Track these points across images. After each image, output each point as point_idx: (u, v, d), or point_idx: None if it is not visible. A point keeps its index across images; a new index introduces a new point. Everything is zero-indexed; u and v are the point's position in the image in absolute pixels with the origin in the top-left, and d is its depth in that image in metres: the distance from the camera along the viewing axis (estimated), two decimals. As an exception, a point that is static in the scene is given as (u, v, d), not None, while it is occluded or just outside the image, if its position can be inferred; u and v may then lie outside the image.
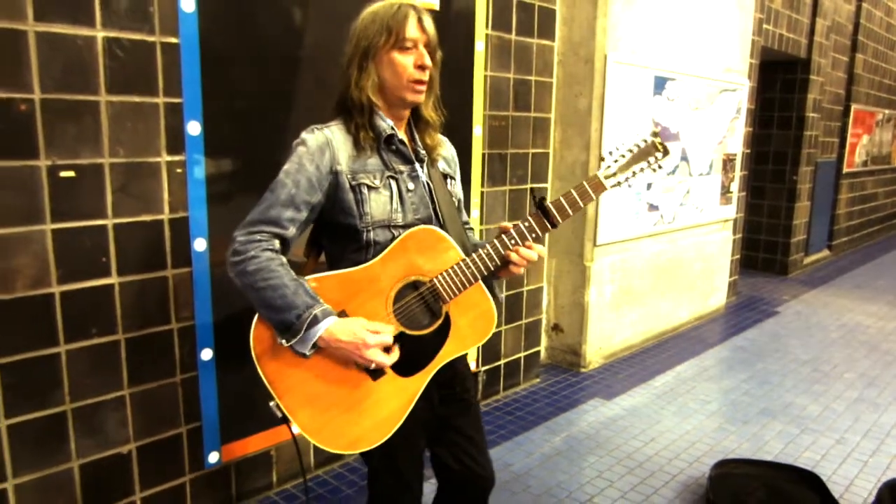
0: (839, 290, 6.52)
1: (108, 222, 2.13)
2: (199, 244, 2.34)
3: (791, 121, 6.98)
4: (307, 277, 1.55)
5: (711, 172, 5.16)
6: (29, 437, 2.05)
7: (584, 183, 1.63)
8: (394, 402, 1.58)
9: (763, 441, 3.21)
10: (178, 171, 2.26)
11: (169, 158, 2.24)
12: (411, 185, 1.62)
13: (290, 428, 1.59)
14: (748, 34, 5.35)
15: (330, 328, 1.47)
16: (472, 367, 3.48)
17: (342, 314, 1.52)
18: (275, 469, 2.71)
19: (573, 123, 4.05)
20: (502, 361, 3.71)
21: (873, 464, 3.00)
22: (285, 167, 1.55)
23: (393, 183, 1.60)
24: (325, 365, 1.54)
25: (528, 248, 1.61)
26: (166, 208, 2.25)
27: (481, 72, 3.30)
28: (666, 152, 1.69)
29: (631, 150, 1.66)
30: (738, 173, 5.56)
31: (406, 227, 1.59)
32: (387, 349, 1.51)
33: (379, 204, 1.57)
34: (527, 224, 1.60)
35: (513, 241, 1.59)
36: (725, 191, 5.41)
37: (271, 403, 1.56)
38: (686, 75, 4.60)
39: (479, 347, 3.51)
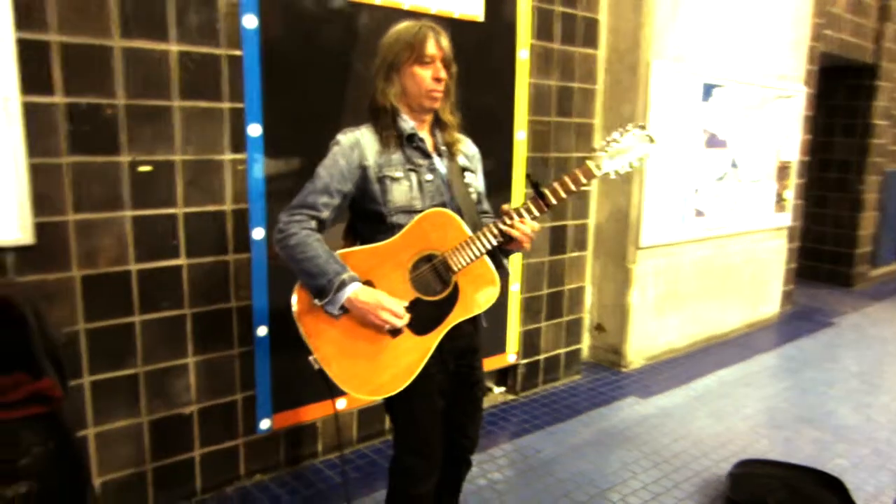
0: (907, 303, 6.31)
1: (179, 211, 2.44)
2: (258, 233, 2.63)
3: (856, 128, 6.80)
4: (339, 251, 1.84)
5: (764, 180, 5.15)
6: (107, 393, 2.38)
7: (577, 170, 1.84)
8: (410, 356, 1.85)
9: (794, 446, 3.24)
10: (240, 167, 2.56)
11: (232, 156, 2.54)
12: (429, 176, 1.90)
13: (327, 383, 1.85)
14: (804, 40, 5.30)
15: (356, 291, 1.76)
16: (512, 359, 3.66)
17: (368, 283, 1.81)
18: (320, 440, 2.97)
19: (619, 127, 4.16)
20: (542, 356, 3.86)
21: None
22: (322, 162, 1.87)
23: (413, 174, 1.88)
24: (353, 324, 1.83)
25: (522, 223, 1.83)
26: (229, 200, 2.55)
27: (525, 79, 3.49)
28: (651, 141, 1.88)
29: (618, 142, 1.86)
30: (793, 181, 5.51)
31: (424, 211, 1.86)
32: (397, 316, 1.79)
33: (401, 192, 1.86)
34: (525, 206, 1.84)
35: (511, 220, 1.82)
36: (780, 198, 5.37)
37: (310, 358, 1.84)
38: (736, 82, 4.64)
39: (519, 341, 3.68)
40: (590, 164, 1.84)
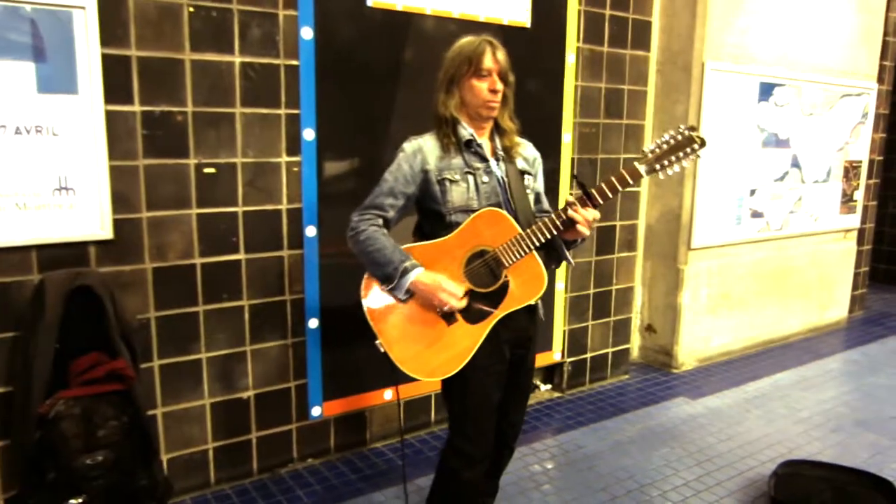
0: None
1: (239, 209, 2.65)
2: (311, 231, 2.82)
3: (941, 128, 6.46)
4: (407, 245, 2.05)
5: (830, 180, 5.00)
6: (174, 375, 2.61)
7: (623, 171, 1.94)
8: (463, 343, 2.01)
9: (848, 450, 3.17)
10: (295, 169, 2.75)
11: (288, 159, 2.73)
12: (486, 179, 2.05)
13: (391, 365, 2.04)
14: (877, 36, 5.12)
15: (418, 276, 1.95)
16: (557, 357, 3.73)
17: None
18: (368, 428, 3.13)
19: (670, 129, 4.16)
20: (588, 355, 3.91)
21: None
22: (389, 168, 2.06)
23: (470, 177, 2.04)
24: (413, 312, 2.03)
25: (586, 210, 1.94)
26: (284, 200, 2.75)
27: (572, 82, 3.56)
28: (702, 143, 1.94)
29: (668, 143, 1.94)
30: (863, 181, 5.32)
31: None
32: (457, 299, 1.97)
33: (459, 193, 2.02)
34: (580, 197, 1.96)
35: (560, 219, 1.95)
36: (848, 199, 5.20)
37: (376, 342, 2.04)
38: (797, 80, 4.54)
39: (565, 340, 3.74)
40: (637, 165, 1.93)
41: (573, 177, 2.16)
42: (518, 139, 2.14)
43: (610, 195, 1.94)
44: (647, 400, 3.74)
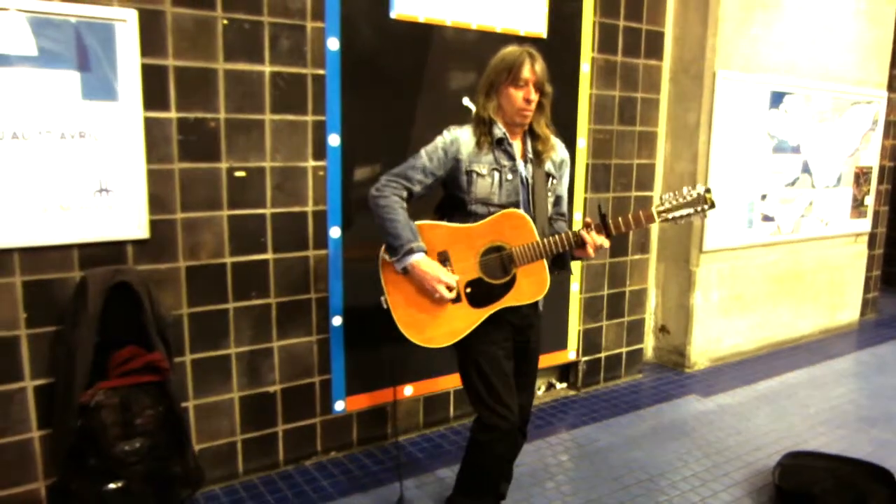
0: None
1: (267, 211, 2.78)
2: (335, 232, 2.95)
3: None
4: (428, 221, 2.22)
5: (840, 185, 5.07)
6: (205, 370, 2.74)
7: (640, 212, 2.14)
8: (463, 322, 2.19)
9: (853, 444, 3.25)
10: (321, 173, 2.88)
11: (314, 163, 2.86)
12: (510, 177, 2.21)
13: (393, 321, 2.23)
14: (887, 45, 5.19)
15: (419, 260, 2.13)
16: (572, 356, 3.83)
17: (444, 252, 2.19)
18: (389, 423, 3.25)
19: (682, 137, 4.27)
20: (603, 354, 4.01)
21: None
22: (426, 147, 2.23)
23: (496, 173, 2.20)
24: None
25: (600, 235, 2.13)
26: (310, 202, 2.88)
27: (586, 90, 3.67)
28: (712, 206, 2.15)
29: (684, 197, 2.14)
30: (873, 186, 5.38)
31: (500, 205, 2.19)
32: (449, 289, 2.15)
33: (483, 186, 2.18)
34: (597, 224, 2.14)
35: (575, 238, 2.13)
36: (858, 204, 5.26)
37: (382, 298, 2.23)
38: (807, 89, 4.62)
39: (579, 339, 3.84)
40: (654, 211, 2.11)
41: (598, 207, 2.32)
42: (552, 142, 2.29)
43: (623, 230, 2.13)
44: (659, 398, 3.83)
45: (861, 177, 5.25)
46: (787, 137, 4.59)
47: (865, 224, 5.42)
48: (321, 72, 2.82)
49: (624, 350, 4.11)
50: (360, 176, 2.99)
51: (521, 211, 2.17)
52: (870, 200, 5.39)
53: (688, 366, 4.34)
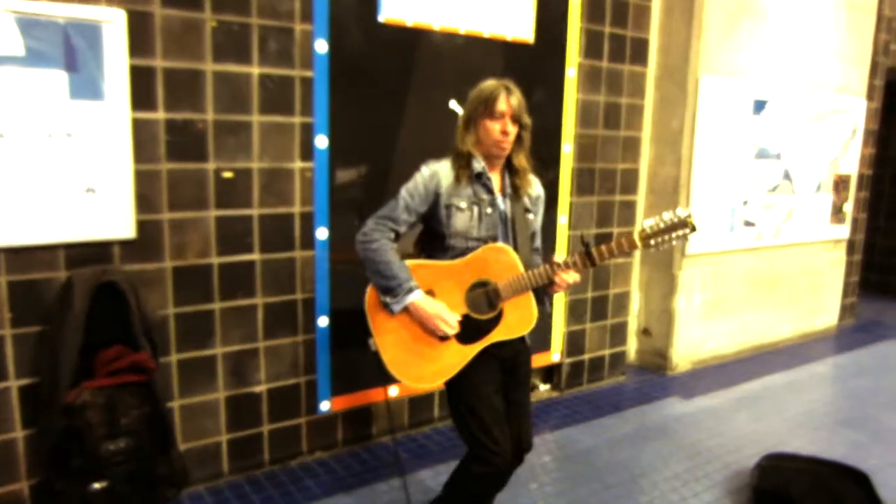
0: (978, 320, 6.12)
1: (254, 212, 2.80)
2: (322, 233, 2.96)
3: (930, 143, 6.65)
4: (415, 261, 2.20)
5: (820, 192, 5.16)
6: (191, 370, 2.75)
7: (623, 239, 2.13)
8: (452, 359, 2.17)
9: (829, 446, 3.32)
10: (308, 174, 2.90)
11: (301, 165, 2.88)
12: (489, 210, 2.20)
13: (379, 364, 2.20)
14: (867, 56, 5.30)
15: (420, 300, 2.12)
16: (556, 358, 3.87)
17: (430, 292, 2.15)
18: (374, 423, 3.26)
19: (666, 142, 4.33)
20: (586, 356, 4.05)
21: (945, 476, 3.04)
22: (407, 185, 2.20)
23: (475, 207, 2.19)
24: (410, 324, 2.18)
25: (567, 273, 2.14)
26: (297, 203, 2.89)
27: (572, 95, 3.72)
28: (693, 229, 2.13)
29: (665, 222, 2.12)
30: (852, 194, 5.48)
31: (478, 239, 2.18)
32: (450, 326, 2.13)
33: (462, 220, 2.17)
34: (573, 260, 2.14)
35: (558, 268, 2.13)
36: (837, 210, 5.36)
37: (370, 340, 2.21)
38: (789, 96, 4.71)
39: (563, 341, 3.89)
40: (635, 237, 2.11)
41: (581, 237, 2.33)
42: (529, 177, 2.27)
43: (607, 258, 2.13)
44: (641, 399, 3.89)
45: (840, 184, 5.34)
46: (768, 144, 4.67)
47: (844, 230, 5.51)
48: (309, 74, 2.84)
49: (607, 352, 4.16)
50: (347, 178, 3.01)
51: (504, 244, 2.17)
52: (849, 207, 5.49)
53: (670, 368, 4.40)
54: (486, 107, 2.12)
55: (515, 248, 2.19)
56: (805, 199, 5.05)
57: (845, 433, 3.49)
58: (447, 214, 2.15)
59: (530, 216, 2.30)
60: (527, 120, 2.18)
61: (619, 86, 3.92)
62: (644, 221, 2.13)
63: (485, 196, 2.18)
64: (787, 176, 4.86)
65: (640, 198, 4.43)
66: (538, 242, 2.40)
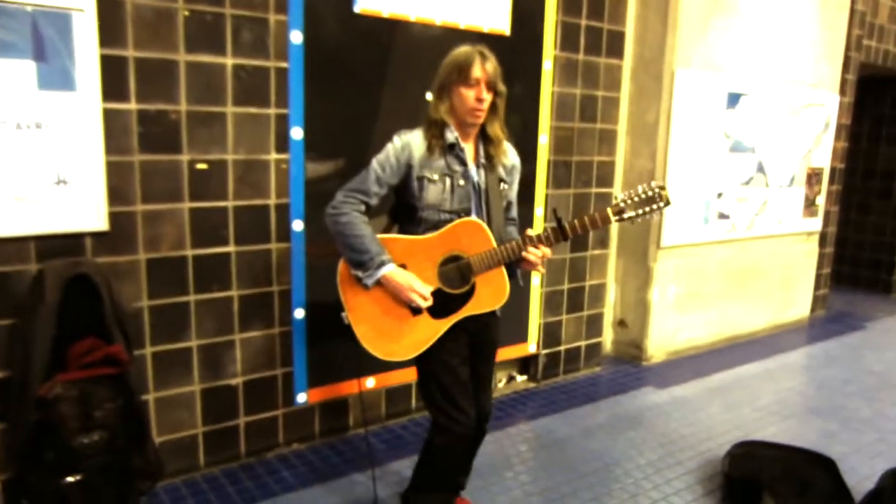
0: (946, 311, 6.27)
1: (229, 204, 2.78)
2: (297, 225, 2.96)
3: (900, 137, 6.78)
4: (386, 235, 2.19)
5: (793, 185, 5.24)
6: (166, 362, 2.73)
7: (597, 214, 2.14)
8: (424, 333, 2.18)
9: (799, 433, 3.39)
10: (283, 166, 2.89)
11: (276, 156, 2.87)
12: (461, 182, 2.18)
13: (353, 338, 2.21)
14: (839, 50, 5.38)
15: (392, 272, 2.10)
16: (532, 349, 3.90)
17: (402, 266, 2.14)
18: (351, 414, 3.27)
19: (642, 135, 4.37)
20: (562, 347, 4.09)
21: (909, 461, 3.12)
22: (378, 157, 2.17)
23: (448, 179, 2.17)
24: (383, 298, 2.17)
25: (538, 248, 2.14)
26: (273, 195, 2.88)
27: (548, 88, 3.74)
28: (668, 203, 2.14)
29: (640, 196, 2.13)
30: (825, 187, 5.57)
31: (451, 212, 2.17)
32: (423, 299, 2.12)
33: (434, 193, 2.15)
34: (545, 234, 2.14)
35: (529, 242, 2.13)
36: (810, 203, 5.45)
37: (342, 314, 2.21)
38: (763, 90, 4.77)
39: (540, 333, 3.92)
40: (609, 211, 2.11)
41: (553, 210, 2.33)
42: (504, 147, 2.26)
43: (580, 232, 2.13)
44: (616, 390, 3.94)
45: (813, 177, 5.43)
46: (742, 137, 4.73)
47: (817, 223, 5.61)
48: (284, 65, 2.83)
49: (583, 343, 4.20)
50: (323, 169, 3.01)
51: (477, 218, 2.16)
52: (821, 200, 5.58)
53: (645, 359, 4.45)
54: (459, 73, 2.09)
55: (489, 220, 2.18)
56: (778, 192, 5.13)
57: (815, 421, 3.56)
58: (419, 187, 2.13)
59: (504, 186, 2.29)
60: (502, 87, 2.15)
61: (595, 78, 3.95)
62: (617, 194, 2.13)
63: (457, 168, 2.17)
64: (760, 169, 4.93)
65: (617, 190, 4.46)
66: (514, 213, 2.41)
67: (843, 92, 5.55)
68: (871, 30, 5.84)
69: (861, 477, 2.95)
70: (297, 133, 2.90)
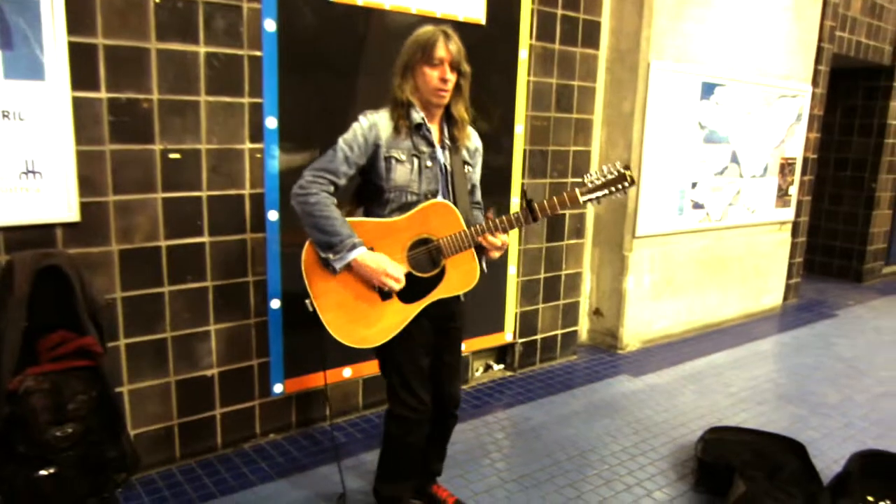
0: (913, 298, 6.43)
1: (203, 194, 2.76)
2: (272, 215, 2.94)
3: (872, 128, 6.89)
4: (351, 219, 2.15)
5: (766, 175, 5.32)
6: (140, 354, 2.71)
7: (565, 194, 2.14)
8: (394, 318, 2.17)
9: (771, 419, 3.47)
10: (258, 156, 2.87)
11: (251, 146, 2.85)
12: (429, 163, 2.18)
13: (320, 325, 2.18)
14: (812, 42, 5.45)
15: (363, 255, 2.08)
16: (509, 338, 3.93)
17: (371, 249, 2.12)
18: (329, 404, 3.27)
19: (618, 125, 4.40)
20: (539, 336, 4.12)
21: (873, 444, 3.19)
22: (344, 136, 2.15)
23: (415, 159, 2.16)
24: (351, 283, 2.15)
25: (495, 237, 2.14)
26: (247, 185, 2.86)
27: (524, 77, 3.74)
28: (632, 183, 2.17)
29: (605, 176, 2.16)
30: (797, 177, 5.66)
31: (418, 193, 2.16)
32: (396, 281, 2.11)
33: (402, 174, 2.14)
34: (515, 215, 2.15)
35: (499, 225, 2.13)
36: (783, 193, 5.53)
37: (307, 301, 2.18)
38: (737, 81, 4.82)
39: (517, 322, 3.95)
40: (577, 191, 2.13)
41: (523, 191, 2.34)
42: (468, 130, 2.26)
43: (549, 213, 2.14)
44: (592, 378, 3.98)
45: (786, 167, 5.52)
46: (717, 128, 4.78)
47: (789, 213, 5.70)
48: (258, 53, 2.80)
49: (559, 332, 4.24)
50: (298, 159, 2.99)
51: (445, 200, 2.15)
52: (794, 190, 5.67)
53: (620, 347, 4.51)
54: (423, 53, 2.08)
55: (455, 203, 2.18)
56: (752, 182, 5.20)
57: (786, 407, 3.64)
58: (387, 167, 2.11)
59: (469, 169, 2.29)
60: (466, 68, 2.14)
61: (571, 68, 3.96)
62: (585, 175, 2.16)
63: (425, 148, 2.16)
64: (734, 159, 4.99)
65: (593, 180, 4.49)
66: (478, 196, 2.40)
67: (815, 83, 5.63)
68: (844, 21, 5.93)
69: (830, 460, 3.02)
70: (271, 122, 2.88)
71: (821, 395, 3.84)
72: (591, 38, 4.04)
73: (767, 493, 2.46)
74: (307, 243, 2.16)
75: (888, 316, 5.70)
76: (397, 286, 2.10)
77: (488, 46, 3.55)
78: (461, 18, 3.39)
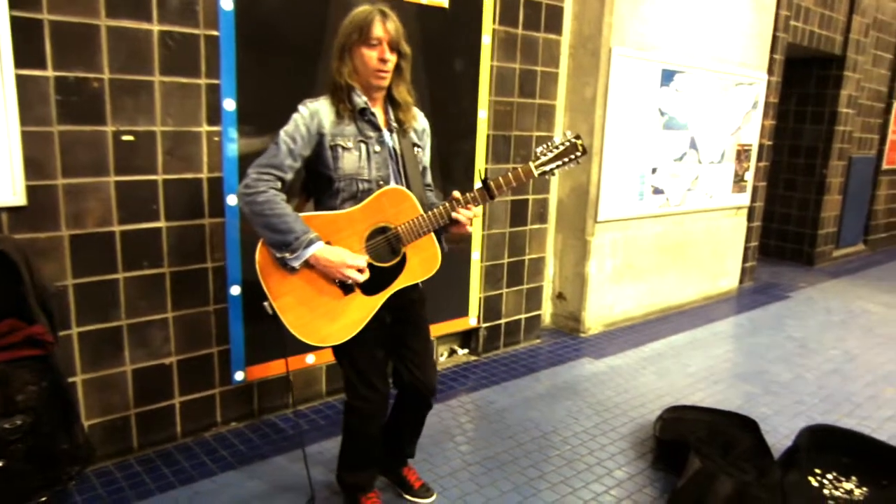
0: (860, 281, 6.65)
1: (159, 178, 2.68)
2: (231, 199, 2.87)
3: (823, 116, 7.08)
4: (309, 213, 2.08)
5: (724, 161, 5.42)
6: (94, 343, 2.63)
7: (519, 169, 2.11)
8: (357, 312, 2.11)
9: (726, 398, 3.56)
10: (216, 139, 2.80)
11: (208, 129, 2.77)
12: (377, 148, 2.12)
13: (281, 327, 2.11)
14: (768, 31, 5.56)
15: (322, 250, 2.01)
16: (473, 323, 3.94)
17: (328, 243, 2.05)
18: (291, 391, 3.24)
19: (580, 110, 4.43)
20: (503, 321, 4.14)
21: (821, 419, 3.31)
22: (286, 128, 2.06)
23: (363, 146, 2.10)
24: (310, 280, 2.08)
25: (468, 209, 2.10)
26: (205, 169, 2.79)
27: (487, 62, 3.73)
28: (584, 152, 2.15)
29: (557, 148, 2.13)
30: (753, 163, 5.79)
31: (370, 181, 2.10)
32: (359, 271, 2.06)
33: (350, 161, 2.08)
34: (472, 195, 2.11)
35: (458, 205, 2.09)
36: (739, 179, 5.65)
37: (265, 303, 2.10)
38: (695, 69, 4.89)
39: (480, 306, 3.95)
40: (531, 164, 2.10)
41: (480, 171, 2.31)
42: (413, 111, 2.21)
43: (505, 189, 2.11)
44: (555, 361, 4.02)
45: (742, 154, 5.63)
46: (676, 114, 4.85)
47: (745, 198, 5.83)
48: (214, 32, 2.72)
49: (523, 316, 4.26)
50: (258, 143, 2.92)
51: (399, 186, 2.10)
52: (749, 176, 5.79)
53: (583, 331, 4.56)
54: (360, 34, 2.02)
55: (408, 187, 2.13)
56: (709, 167, 5.29)
57: (741, 386, 3.74)
58: (333, 156, 2.05)
59: (419, 151, 2.24)
60: (406, 48, 2.09)
61: (534, 54, 3.96)
62: (536, 149, 2.15)
63: (371, 133, 2.10)
64: (692, 145, 5.07)
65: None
66: (429, 178, 2.36)
67: (771, 71, 5.74)
68: (798, 11, 6.06)
69: (781, 436, 3.12)
70: (229, 104, 2.81)
71: (774, 373, 3.95)
72: (554, 23, 4.04)
73: (721, 469, 2.53)
74: (260, 244, 2.07)
75: (837, 297, 5.89)
76: (361, 277, 2.05)
77: (451, 31, 3.52)
78: (424, 2, 3.35)
